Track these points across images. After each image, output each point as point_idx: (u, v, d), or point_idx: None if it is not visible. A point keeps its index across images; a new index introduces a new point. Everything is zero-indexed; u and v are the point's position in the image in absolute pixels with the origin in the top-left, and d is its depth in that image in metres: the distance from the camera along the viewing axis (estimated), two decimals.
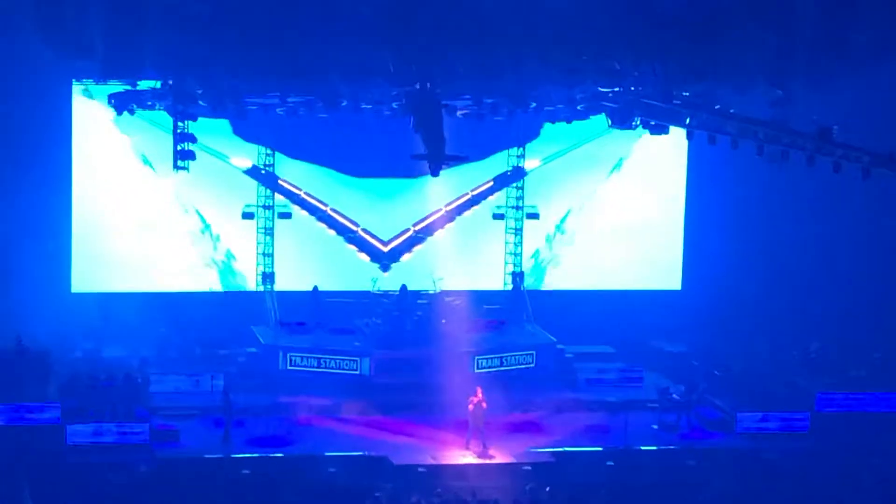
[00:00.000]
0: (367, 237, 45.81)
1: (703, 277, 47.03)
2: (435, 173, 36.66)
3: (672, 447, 37.65)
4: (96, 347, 42.32)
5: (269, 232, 45.17)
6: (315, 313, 43.92)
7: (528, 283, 47.00)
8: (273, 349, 41.88)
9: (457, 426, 37.41)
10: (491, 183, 46.34)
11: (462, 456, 36.47)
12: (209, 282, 45.73)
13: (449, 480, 34.14)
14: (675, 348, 45.26)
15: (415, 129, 35.81)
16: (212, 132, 43.06)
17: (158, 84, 38.74)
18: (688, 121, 37.75)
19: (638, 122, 39.99)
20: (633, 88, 39.00)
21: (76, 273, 44.54)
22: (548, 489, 32.93)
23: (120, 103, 39.23)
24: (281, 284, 45.28)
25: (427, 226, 45.96)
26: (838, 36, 35.05)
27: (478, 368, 41.45)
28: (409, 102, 36.77)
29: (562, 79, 37.38)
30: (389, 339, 42.28)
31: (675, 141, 41.79)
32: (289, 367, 41.41)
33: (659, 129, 39.61)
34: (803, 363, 42.94)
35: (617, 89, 39.44)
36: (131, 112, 39.54)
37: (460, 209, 45.98)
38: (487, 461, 36.19)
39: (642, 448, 37.31)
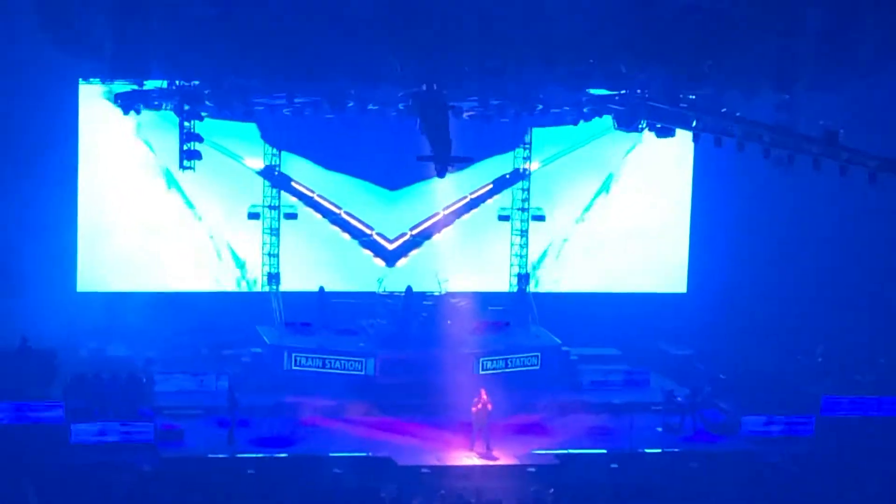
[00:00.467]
0: (381, 240, 45.70)
1: (709, 281, 47.03)
2: (441, 175, 36.68)
3: (676, 450, 37.61)
4: (101, 347, 42.42)
5: (274, 232, 45.16)
6: (320, 314, 43.94)
7: (534, 285, 46.98)
8: (278, 349, 41.88)
9: (461, 427, 37.41)
10: (490, 186, 46.27)
11: (466, 457, 36.47)
12: (214, 282, 45.75)
13: (453, 482, 34.16)
14: (680, 351, 45.27)
15: (421, 130, 35.83)
16: (221, 133, 43.11)
17: (165, 84, 38.79)
18: (694, 124, 37.74)
19: (644, 125, 40.00)
20: (639, 91, 39.03)
21: (81, 272, 44.60)
22: (552, 491, 32.95)
23: (126, 103, 39.28)
24: (286, 285, 45.29)
25: (424, 230, 45.85)
26: (845, 40, 35.05)
27: (482, 370, 41.44)
28: (415, 104, 36.78)
29: (568, 81, 37.40)
30: (394, 340, 42.29)
31: (682, 144, 41.80)
32: (293, 368, 41.41)
33: (665, 132, 39.63)
34: (808, 367, 42.92)
35: (623, 92, 39.49)
36: (137, 111, 39.62)
37: (459, 213, 45.86)
38: (491, 463, 36.19)
39: (646, 451, 37.28)
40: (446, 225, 45.72)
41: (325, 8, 33.63)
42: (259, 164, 44.75)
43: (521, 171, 46.11)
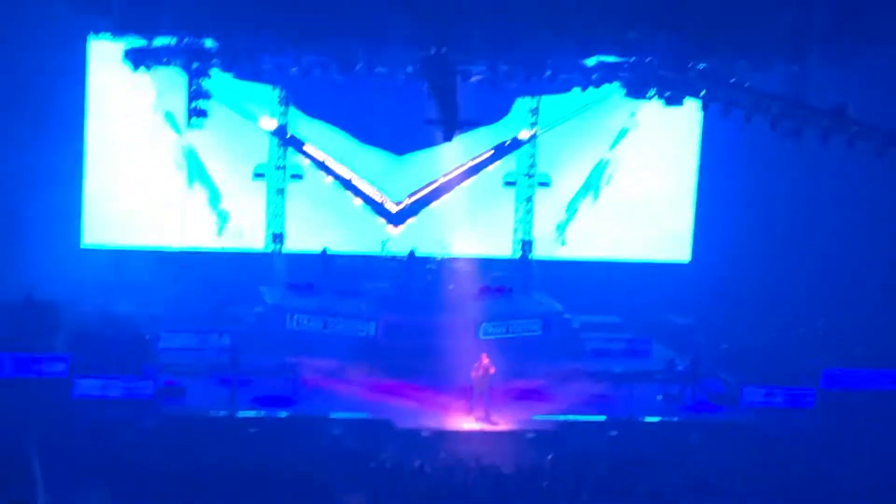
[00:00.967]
0: (387, 203, 45.52)
1: (714, 251, 47.01)
2: (448, 138, 36.69)
3: (676, 419, 37.70)
4: (106, 302, 42.43)
5: (280, 192, 45.18)
6: (323, 275, 43.99)
7: (537, 251, 47.00)
8: (280, 310, 41.97)
9: (461, 392, 37.48)
10: (491, 152, 46.16)
11: (465, 422, 36.58)
12: (219, 241, 45.78)
13: (452, 445, 34.25)
14: (682, 320, 45.28)
15: (429, 94, 35.79)
16: (232, 93, 43.00)
17: (174, 41, 38.71)
18: (702, 93, 37.66)
19: (653, 93, 39.90)
20: (648, 59, 38.92)
21: (87, 227, 44.66)
22: (550, 457, 33.03)
23: (135, 59, 39.22)
24: (290, 245, 45.34)
25: (428, 194, 45.46)
26: (856, 11, 34.94)
27: (484, 335, 41.50)
28: (423, 67, 36.71)
29: (578, 48, 37.32)
30: (397, 304, 42.35)
31: (690, 113, 41.74)
32: (296, 328, 41.49)
33: (674, 101, 39.53)
34: (810, 340, 42.94)
35: (632, 59, 39.39)
36: (147, 68, 39.55)
37: (460, 179, 45.62)
38: (490, 428, 36.29)
39: (646, 419, 37.37)
40: (448, 191, 45.58)
41: None
42: (271, 125, 44.69)
43: (524, 137, 45.98)
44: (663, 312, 45.82)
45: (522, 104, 45.66)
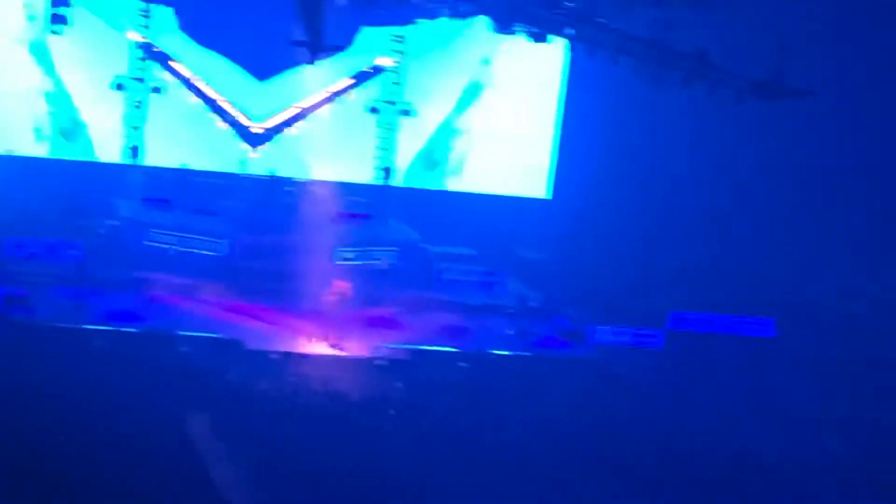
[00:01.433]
0: (248, 123, 45.00)
1: (574, 188, 47.32)
2: (311, 61, 36.32)
3: (526, 354, 37.98)
4: None
5: (140, 105, 44.41)
6: (180, 191, 43.40)
7: (398, 180, 46.92)
8: (134, 224, 41.37)
9: (314, 316, 37.36)
10: (352, 80, 45.84)
11: (316, 346, 36.49)
12: (74, 151, 44.88)
13: (301, 369, 34.18)
14: (537, 256, 45.56)
15: (295, 15, 35.35)
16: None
17: None
18: (569, 32, 37.72)
19: (520, 29, 39.87)
20: None
21: None
22: (400, 385, 33.11)
23: None
24: (148, 159, 44.63)
25: (289, 118, 45.19)
26: None
27: (339, 260, 41.37)
28: None
29: None
30: (253, 224, 42.00)
31: (555, 51, 41.86)
32: (148, 244, 40.94)
33: (540, 38, 39.57)
34: (660, 281, 43.49)
35: None
36: None
37: (319, 104, 45.31)
38: (341, 353, 36.25)
39: (496, 352, 37.61)
40: (308, 115, 45.18)
41: None
42: (138, 37, 43.84)
43: (386, 65, 45.75)
44: (520, 248, 46.07)
45: (389, 32, 45.34)
